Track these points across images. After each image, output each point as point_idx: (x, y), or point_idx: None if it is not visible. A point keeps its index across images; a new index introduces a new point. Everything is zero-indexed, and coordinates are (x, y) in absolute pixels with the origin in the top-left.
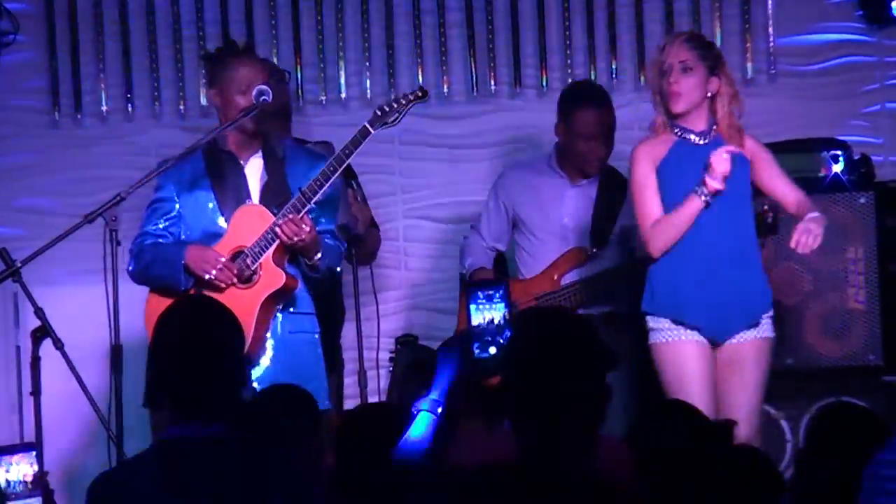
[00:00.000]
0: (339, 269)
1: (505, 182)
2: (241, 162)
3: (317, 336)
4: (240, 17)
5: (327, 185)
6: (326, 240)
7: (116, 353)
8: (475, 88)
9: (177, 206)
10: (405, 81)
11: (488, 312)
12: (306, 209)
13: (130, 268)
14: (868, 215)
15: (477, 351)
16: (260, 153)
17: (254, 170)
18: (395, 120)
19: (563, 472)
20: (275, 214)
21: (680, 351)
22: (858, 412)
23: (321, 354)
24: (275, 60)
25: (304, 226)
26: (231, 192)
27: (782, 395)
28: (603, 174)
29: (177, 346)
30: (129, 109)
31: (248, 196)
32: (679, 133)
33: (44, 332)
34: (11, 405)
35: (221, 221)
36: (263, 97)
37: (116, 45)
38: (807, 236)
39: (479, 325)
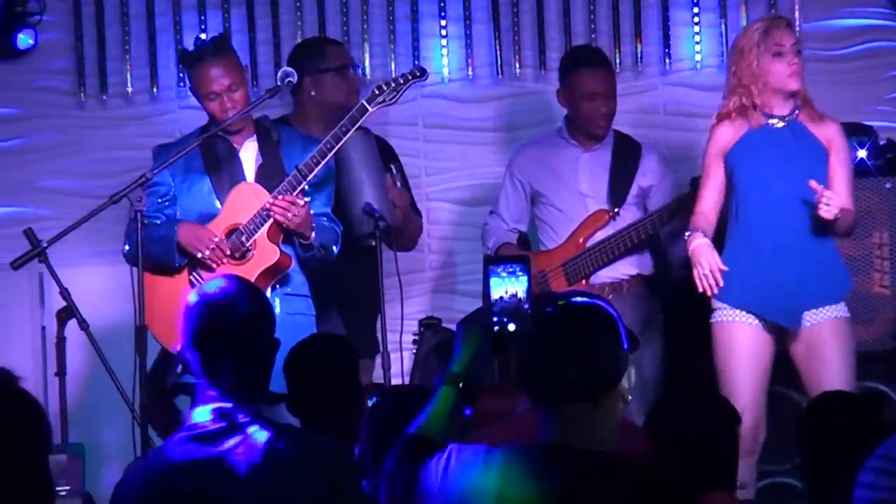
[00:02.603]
0: (335, 249)
1: (519, 160)
2: (236, 146)
3: (313, 318)
4: None
5: (323, 161)
6: (322, 222)
7: (141, 333)
8: (500, 71)
9: (172, 189)
10: (431, 65)
11: (510, 286)
12: (301, 186)
13: (126, 249)
14: (894, 200)
15: (497, 325)
16: (254, 136)
17: (249, 153)
18: (392, 98)
19: (583, 452)
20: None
21: (732, 331)
22: (850, 401)
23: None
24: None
25: (298, 202)
26: (226, 175)
27: None
28: (615, 139)
29: (207, 330)
30: (154, 90)
31: (243, 177)
32: (761, 119)
33: (69, 312)
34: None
35: (218, 204)
36: (289, 79)
37: (141, 27)
38: (829, 198)
39: (499, 299)
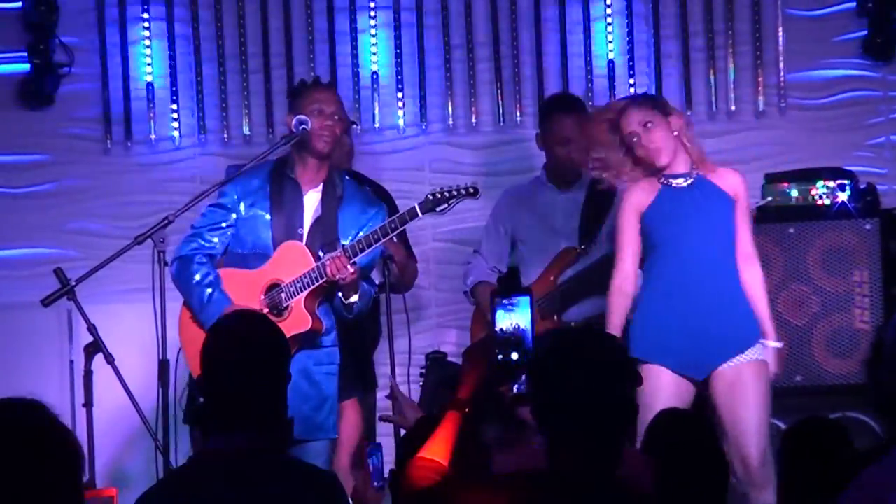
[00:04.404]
0: (363, 312)
1: (502, 204)
2: (303, 190)
3: (335, 367)
4: (280, 51)
5: (369, 250)
6: (364, 288)
7: (163, 367)
8: (502, 119)
9: (233, 215)
10: (436, 113)
11: (513, 318)
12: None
13: (174, 269)
14: (873, 241)
15: (500, 355)
16: (321, 187)
17: (311, 202)
18: (443, 210)
19: (592, 481)
20: (319, 258)
21: (653, 373)
22: (829, 426)
23: (336, 386)
24: None
25: (349, 268)
26: (286, 215)
27: (791, 411)
28: (590, 181)
29: (225, 359)
30: (177, 138)
31: (301, 224)
32: (664, 180)
33: (96, 347)
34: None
35: (268, 238)
36: (303, 126)
37: (164, 78)
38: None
39: (503, 330)
